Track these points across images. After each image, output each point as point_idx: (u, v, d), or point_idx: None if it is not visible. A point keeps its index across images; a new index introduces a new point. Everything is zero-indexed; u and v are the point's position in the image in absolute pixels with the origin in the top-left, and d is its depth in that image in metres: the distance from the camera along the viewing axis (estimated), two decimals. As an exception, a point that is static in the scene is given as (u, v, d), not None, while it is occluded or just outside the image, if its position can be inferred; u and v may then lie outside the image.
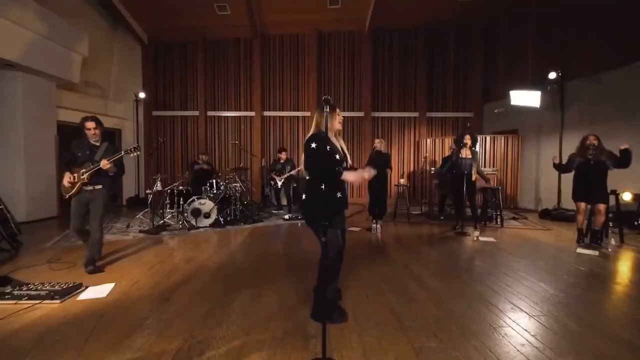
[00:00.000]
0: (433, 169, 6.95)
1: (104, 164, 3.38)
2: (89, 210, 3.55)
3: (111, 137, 8.69)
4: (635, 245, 4.62)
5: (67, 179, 3.43)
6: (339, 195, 2.36)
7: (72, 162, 3.50)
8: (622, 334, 2.20)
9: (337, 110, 2.46)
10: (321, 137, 2.28)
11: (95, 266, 3.54)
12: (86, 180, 3.43)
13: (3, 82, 6.21)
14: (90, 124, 3.51)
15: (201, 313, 2.50)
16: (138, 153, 3.68)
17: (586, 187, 4.49)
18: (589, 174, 4.44)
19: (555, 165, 5.00)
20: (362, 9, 8.62)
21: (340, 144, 2.46)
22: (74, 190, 3.45)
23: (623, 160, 4.31)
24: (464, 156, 5.51)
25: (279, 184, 7.74)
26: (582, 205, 4.61)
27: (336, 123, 2.44)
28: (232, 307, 2.60)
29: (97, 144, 3.59)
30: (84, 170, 3.42)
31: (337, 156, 2.36)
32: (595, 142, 4.41)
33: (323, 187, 2.25)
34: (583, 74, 6.62)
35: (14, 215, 4.60)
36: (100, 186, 3.53)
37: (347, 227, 2.58)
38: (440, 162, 7.19)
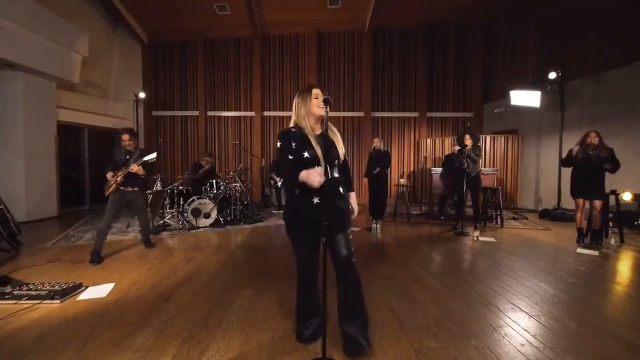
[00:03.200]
0: (434, 169, 6.95)
1: (133, 167, 3.94)
2: (122, 207, 4.19)
3: (111, 137, 8.70)
4: (635, 245, 4.62)
5: (109, 176, 4.00)
6: (316, 201, 1.86)
7: (114, 167, 4.10)
8: (622, 334, 2.20)
9: (314, 90, 1.91)
10: (288, 135, 1.89)
11: (151, 243, 4.53)
12: (120, 181, 3.99)
13: (3, 82, 6.21)
14: (125, 137, 4.10)
15: (201, 313, 2.49)
16: (154, 159, 4.20)
17: (584, 183, 4.50)
18: (588, 170, 4.44)
19: (563, 160, 4.86)
20: (362, 9, 8.62)
21: (326, 134, 1.87)
22: (111, 189, 4.00)
23: (613, 168, 4.36)
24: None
25: (279, 183, 7.74)
26: (580, 201, 4.62)
27: (314, 107, 1.88)
28: (232, 307, 2.60)
29: (132, 150, 4.16)
30: (119, 173, 4.01)
31: (307, 154, 1.86)
32: (596, 141, 4.41)
33: (296, 190, 1.90)
34: (583, 74, 6.63)
35: (14, 215, 4.60)
36: (136, 188, 4.12)
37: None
38: (443, 160, 7.18)
